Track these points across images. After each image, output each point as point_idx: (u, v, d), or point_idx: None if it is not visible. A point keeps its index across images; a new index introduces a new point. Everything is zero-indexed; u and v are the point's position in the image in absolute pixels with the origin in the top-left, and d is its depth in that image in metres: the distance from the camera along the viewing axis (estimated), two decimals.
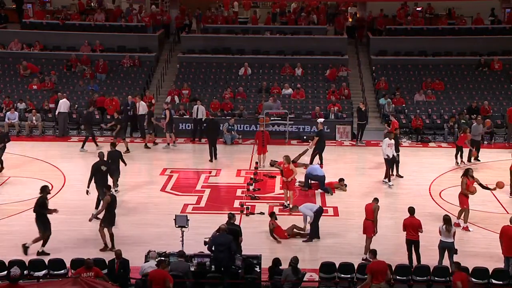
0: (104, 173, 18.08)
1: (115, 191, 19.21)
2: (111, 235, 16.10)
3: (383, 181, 21.12)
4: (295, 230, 17.11)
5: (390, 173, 21.24)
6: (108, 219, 16.03)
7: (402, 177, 21.68)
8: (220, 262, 14.13)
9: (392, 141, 20.96)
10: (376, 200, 15.98)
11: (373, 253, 13.76)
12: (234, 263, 14.23)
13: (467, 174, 17.59)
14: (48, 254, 15.55)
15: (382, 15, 34.69)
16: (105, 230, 16.04)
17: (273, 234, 16.87)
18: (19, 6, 36.64)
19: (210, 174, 22.39)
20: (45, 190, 16.15)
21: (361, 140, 26.14)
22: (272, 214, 17.27)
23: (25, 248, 15.76)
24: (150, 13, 34.71)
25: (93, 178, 18.08)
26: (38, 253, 15.61)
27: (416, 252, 15.20)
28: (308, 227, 17.05)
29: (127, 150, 23.86)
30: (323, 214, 17.40)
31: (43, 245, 15.90)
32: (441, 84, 30.14)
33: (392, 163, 21.14)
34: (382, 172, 22.51)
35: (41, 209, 15.77)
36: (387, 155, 20.78)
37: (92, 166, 18.21)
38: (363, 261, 15.12)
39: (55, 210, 15.96)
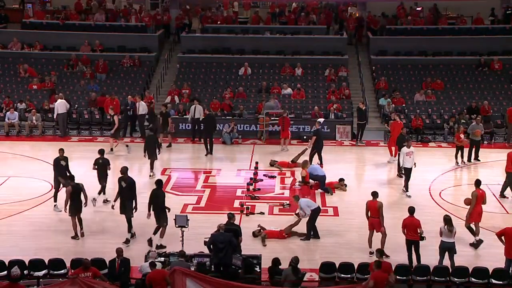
0: (124, 189, 16.95)
1: (150, 175, 20.91)
2: (80, 220, 16.79)
3: (406, 194, 20.22)
4: (293, 229, 17.10)
5: (400, 173, 21.20)
6: (73, 208, 16.64)
7: (402, 176, 21.65)
8: (220, 260, 14.13)
9: (411, 149, 20.15)
10: (375, 195, 15.95)
11: (380, 253, 13.75)
12: (232, 261, 14.23)
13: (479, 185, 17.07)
14: (165, 247, 15.85)
15: (374, 15, 34.75)
16: (73, 218, 16.69)
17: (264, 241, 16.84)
18: (23, 6, 36.70)
19: (210, 174, 22.38)
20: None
21: (361, 140, 26.12)
22: (260, 230, 17.16)
23: (161, 247, 15.91)
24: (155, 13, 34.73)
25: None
26: (157, 247, 15.79)
27: (416, 252, 15.18)
28: (300, 215, 17.03)
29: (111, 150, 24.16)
30: (321, 214, 17.43)
31: (161, 236, 16.14)
32: (441, 84, 30.13)
33: (409, 173, 20.22)
34: (382, 171, 22.60)
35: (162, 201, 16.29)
36: (405, 166, 20.15)
37: (118, 180, 17.37)
38: (370, 255, 15.47)
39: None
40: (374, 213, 15.84)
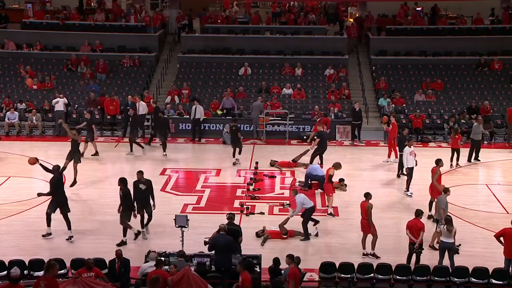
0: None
1: (234, 164, 22.66)
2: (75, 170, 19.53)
3: (407, 194, 20.25)
4: (295, 230, 17.10)
5: (400, 173, 21.22)
6: (76, 157, 19.95)
7: (400, 176, 21.64)
8: (220, 263, 14.12)
9: (412, 148, 20.24)
10: (368, 195, 15.92)
11: (291, 258, 13.44)
12: (232, 263, 14.22)
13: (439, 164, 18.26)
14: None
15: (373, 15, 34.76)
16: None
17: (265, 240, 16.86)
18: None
19: (210, 174, 22.38)
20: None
21: (360, 140, 26.12)
22: (263, 230, 17.15)
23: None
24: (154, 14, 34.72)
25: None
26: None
27: (417, 256, 15.11)
28: (292, 216, 17.02)
29: (96, 153, 23.76)
30: (321, 214, 17.61)
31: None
32: (441, 84, 30.11)
33: (412, 173, 20.27)
34: (382, 171, 22.57)
35: None
36: (408, 165, 20.17)
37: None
38: (363, 256, 15.49)
39: None
40: (363, 213, 15.87)
